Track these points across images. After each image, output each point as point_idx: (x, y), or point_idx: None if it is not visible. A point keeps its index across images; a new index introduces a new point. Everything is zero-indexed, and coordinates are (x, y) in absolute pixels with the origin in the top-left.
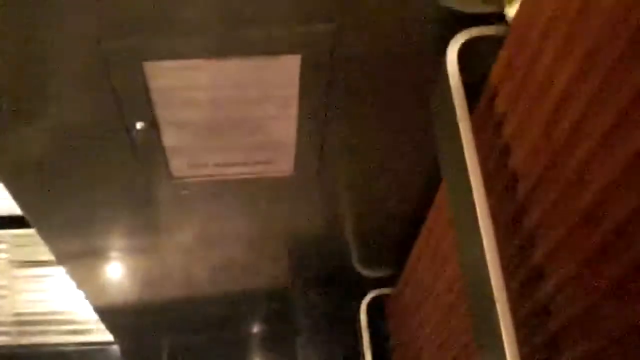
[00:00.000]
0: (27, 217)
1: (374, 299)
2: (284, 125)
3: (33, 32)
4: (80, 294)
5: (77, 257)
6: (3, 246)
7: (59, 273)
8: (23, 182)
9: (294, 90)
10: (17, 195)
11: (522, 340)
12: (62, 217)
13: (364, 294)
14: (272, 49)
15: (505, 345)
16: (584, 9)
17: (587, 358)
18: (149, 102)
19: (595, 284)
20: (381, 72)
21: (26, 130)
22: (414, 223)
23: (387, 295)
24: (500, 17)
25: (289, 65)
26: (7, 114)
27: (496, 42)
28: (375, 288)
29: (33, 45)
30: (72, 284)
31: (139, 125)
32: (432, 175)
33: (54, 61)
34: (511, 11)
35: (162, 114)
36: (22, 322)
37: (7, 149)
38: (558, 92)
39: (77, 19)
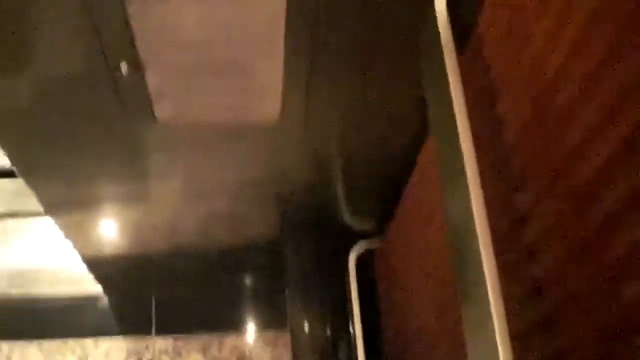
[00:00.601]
0: (15, 167)
1: (362, 251)
2: (270, 67)
3: None
4: (69, 245)
5: (65, 206)
6: None
7: (48, 225)
8: (9, 131)
9: (279, 30)
10: (4, 144)
11: (506, 286)
12: (49, 166)
13: (353, 246)
14: None
15: (489, 286)
16: None
17: (569, 300)
18: (132, 42)
19: (581, 224)
20: (369, 9)
21: (9, 79)
22: (402, 172)
23: (375, 248)
24: None
25: (274, 3)
26: None
27: None
28: (363, 239)
29: None
30: (60, 235)
31: (122, 66)
32: (422, 123)
33: (33, 5)
34: None
35: (146, 54)
36: (12, 274)
37: None
38: (543, 36)
39: None
